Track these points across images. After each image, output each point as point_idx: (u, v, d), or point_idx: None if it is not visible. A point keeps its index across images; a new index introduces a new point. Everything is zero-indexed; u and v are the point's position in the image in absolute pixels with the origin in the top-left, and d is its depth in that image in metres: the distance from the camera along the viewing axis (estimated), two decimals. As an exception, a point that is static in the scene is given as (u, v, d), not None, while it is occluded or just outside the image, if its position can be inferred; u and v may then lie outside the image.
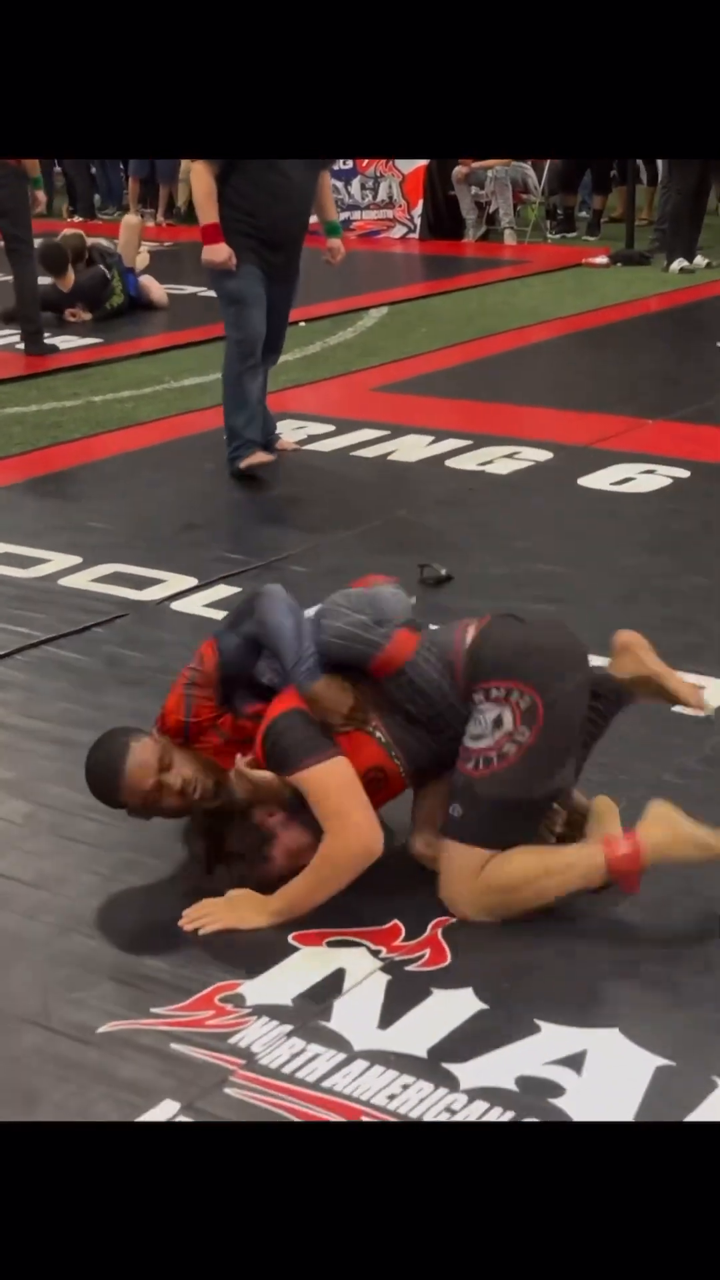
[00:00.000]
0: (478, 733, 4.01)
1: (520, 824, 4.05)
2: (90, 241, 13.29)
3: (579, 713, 4.11)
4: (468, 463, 8.27)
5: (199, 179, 7.70)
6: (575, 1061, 3.51)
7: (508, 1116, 3.33)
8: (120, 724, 4.47)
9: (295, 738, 4.03)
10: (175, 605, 6.34)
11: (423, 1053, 3.56)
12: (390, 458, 8.42)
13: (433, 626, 4.34)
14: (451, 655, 4.10)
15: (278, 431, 8.71)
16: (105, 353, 11.58)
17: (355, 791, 4.00)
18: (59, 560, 6.88)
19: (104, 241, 13.49)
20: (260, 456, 8.05)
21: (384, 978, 3.83)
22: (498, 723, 3.98)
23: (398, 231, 17.68)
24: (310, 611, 4.26)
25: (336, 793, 3.99)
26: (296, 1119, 3.35)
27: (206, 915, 4.06)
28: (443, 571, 6.45)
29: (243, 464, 8.00)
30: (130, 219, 13.96)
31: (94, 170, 20.56)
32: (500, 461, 8.24)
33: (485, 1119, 3.33)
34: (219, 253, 7.69)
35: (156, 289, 13.29)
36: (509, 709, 3.99)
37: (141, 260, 13.41)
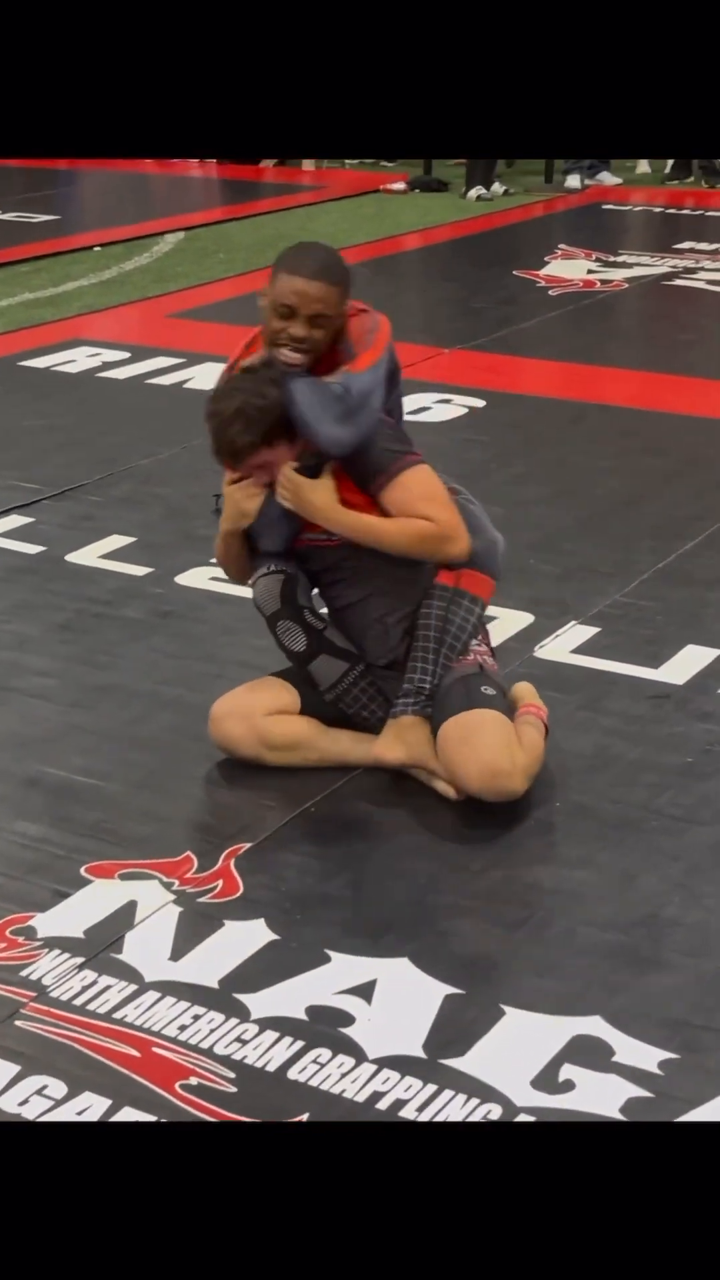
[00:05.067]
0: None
1: None
2: None
3: None
4: (264, 391, 8.21)
5: None
6: (365, 991, 3.54)
7: (297, 1046, 3.35)
8: None
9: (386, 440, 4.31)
10: (-33, 534, 6.27)
11: (214, 983, 3.57)
12: (186, 385, 8.36)
13: None
14: None
15: None
16: None
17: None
18: None
19: None
20: None
21: (176, 909, 3.83)
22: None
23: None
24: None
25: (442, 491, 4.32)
26: (88, 1050, 3.35)
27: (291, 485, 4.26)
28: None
29: None
30: None
31: None
32: (296, 390, 8.20)
33: (275, 1049, 3.35)
34: None
35: None
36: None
37: None
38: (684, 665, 5.04)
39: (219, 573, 5.69)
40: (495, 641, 5.07)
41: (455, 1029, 3.42)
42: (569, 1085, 3.24)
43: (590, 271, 11.16)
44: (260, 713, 4.41)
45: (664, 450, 7.27)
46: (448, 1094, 3.21)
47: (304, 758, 4.42)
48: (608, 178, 15.27)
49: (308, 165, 16.82)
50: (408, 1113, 3.16)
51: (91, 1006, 3.50)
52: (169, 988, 3.56)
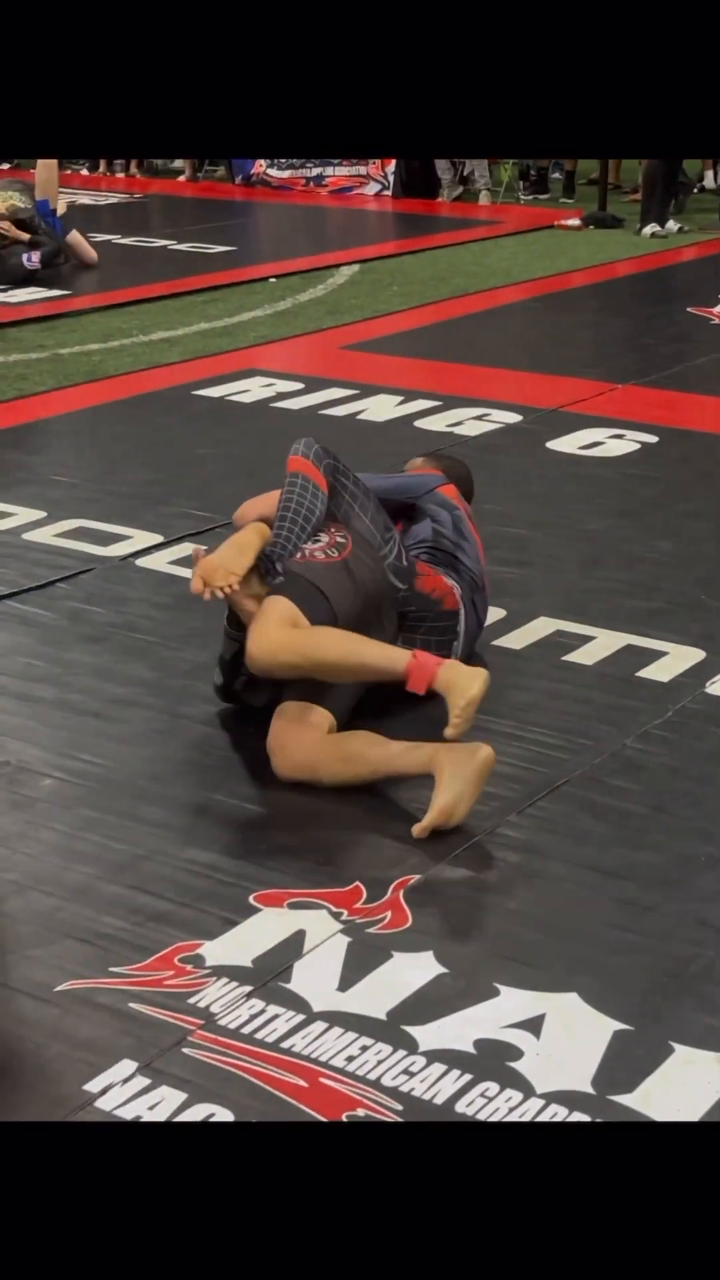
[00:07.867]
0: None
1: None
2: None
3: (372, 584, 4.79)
4: (437, 424, 8.25)
5: None
6: (534, 1025, 3.52)
7: (465, 1079, 3.33)
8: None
9: None
10: (140, 562, 6.32)
11: (382, 1015, 3.56)
12: (359, 417, 8.40)
13: None
14: None
15: None
16: (72, 304, 11.52)
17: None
18: (23, 514, 6.84)
19: (17, 199, 12.52)
20: None
21: (344, 940, 3.83)
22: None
23: (371, 189, 17.64)
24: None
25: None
26: (255, 1080, 3.35)
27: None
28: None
29: None
30: (48, 160, 13.07)
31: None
32: (469, 423, 8.22)
33: (442, 1081, 3.33)
34: None
35: (84, 247, 12.80)
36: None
37: (59, 208, 12.94)
38: None
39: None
40: (665, 678, 5.06)
41: (624, 1065, 3.39)
42: (740, 1127, 3.20)
43: (765, 309, 11.10)
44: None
45: None
46: (616, 1133, 3.18)
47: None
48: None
49: (484, 200, 16.86)
50: (575, 1150, 3.13)
51: (259, 1035, 3.50)
52: (337, 1018, 3.55)
